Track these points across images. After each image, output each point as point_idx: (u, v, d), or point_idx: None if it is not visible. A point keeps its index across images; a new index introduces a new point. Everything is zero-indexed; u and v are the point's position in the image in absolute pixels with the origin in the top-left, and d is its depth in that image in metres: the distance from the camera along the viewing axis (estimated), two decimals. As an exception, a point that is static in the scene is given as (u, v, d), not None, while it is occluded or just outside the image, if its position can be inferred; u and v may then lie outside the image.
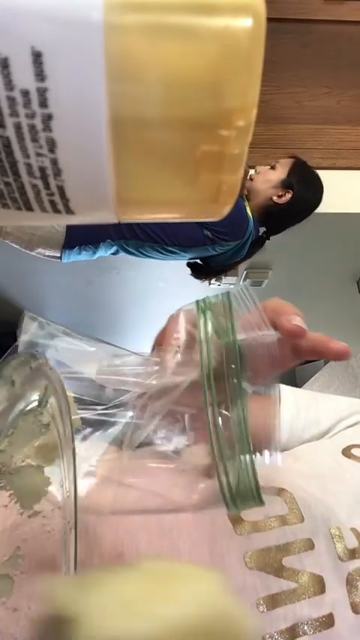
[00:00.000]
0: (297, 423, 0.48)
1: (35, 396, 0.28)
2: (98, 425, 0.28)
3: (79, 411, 0.27)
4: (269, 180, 1.31)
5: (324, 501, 0.35)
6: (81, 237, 1.28)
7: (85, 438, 0.28)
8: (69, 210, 0.17)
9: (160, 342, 0.28)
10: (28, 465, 0.26)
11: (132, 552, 0.30)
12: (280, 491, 0.35)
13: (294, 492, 0.35)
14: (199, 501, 0.25)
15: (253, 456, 0.24)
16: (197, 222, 1.23)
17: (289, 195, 1.30)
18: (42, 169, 0.15)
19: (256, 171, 1.35)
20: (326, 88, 1.62)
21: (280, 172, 1.31)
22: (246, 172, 1.34)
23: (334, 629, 0.29)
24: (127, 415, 0.28)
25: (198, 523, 0.32)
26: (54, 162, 0.15)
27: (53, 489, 0.26)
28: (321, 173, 1.36)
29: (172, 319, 0.28)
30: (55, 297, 2.24)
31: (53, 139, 0.14)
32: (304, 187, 1.31)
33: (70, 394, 0.27)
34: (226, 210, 0.18)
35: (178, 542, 0.31)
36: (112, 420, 0.28)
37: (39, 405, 0.28)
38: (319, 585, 0.30)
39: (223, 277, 1.84)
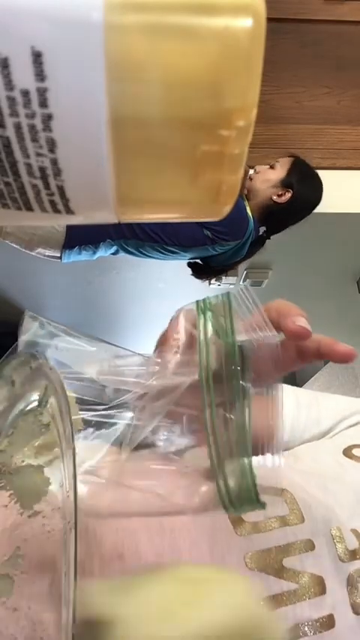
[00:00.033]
0: (298, 423, 0.48)
1: (35, 396, 0.28)
2: (99, 425, 0.28)
3: (80, 412, 0.27)
4: (269, 179, 1.31)
5: (324, 502, 0.35)
6: (81, 237, 1.28)
7: (85, 438, 0.28)
8: (69, 210, 0.17)
9: (163, 343, 0.28)
10: (28, 465, 0.26)
11: (132, 552, 0.30)
12: (280, 492, 0.35)
13: (294, 493, 0.35)
14: (200, 504, 0.24)
15: (255, 457, 0.24)
16: (197, 222, 1.23)
17: (289, 195, 1.30)
18: (42, 169, 0.15)
19: (255, 170, 1.35)
20: (326, 88, 1.62)
21: (280, 172, 1.31)
22: (246, 172, 1.34)
23: (335, 630, 0.29)
24: (128, 416, 0.28)
25: (198, 524, 0.32)
26: (54, 162, 0.15)
27: (53, 489, 0.26)
28: (321, 173, 1.36)
29: (174, 320, 0.28)
30: (55, 297, 2.24)
31: (53, 139, 0.14)
32: (304, 186, 1.31)
33: (72, 394, 0.27)
34: (226, 210, 0.18)
35: (179, 542, 0.31)
36: (113, 420, 0.28)
37: (39, 405, 0.28)
38: (320, 586, 0.30)
39: (223, 277, 1.84)
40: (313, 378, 2.53)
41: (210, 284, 1.91)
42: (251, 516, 0.33)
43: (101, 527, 0.30)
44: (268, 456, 0.25)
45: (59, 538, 0.25)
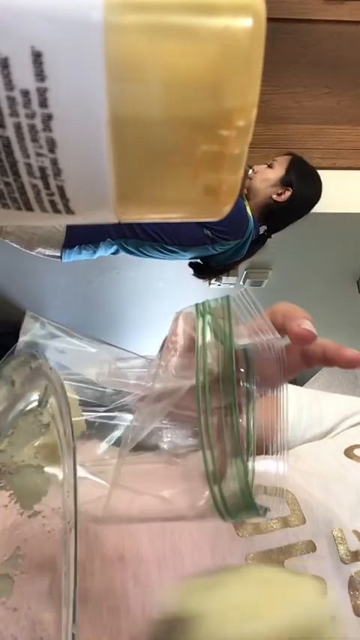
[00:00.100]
0: (299, 422, 0.48)
1: (35, 396, 0.28)
2: (100, 426, 0.28)
3: (83, 414, 0.27)
4: (268, 179, 1.31)
5: (326, 503, 0.35)
6: (81, 237, 1.28)
7: (86, 439, 0.28)
8: (69, 210, 0.17)
9: (166, 345, 0.28)
10: (28, 465, 0.26)
11: (133, 554, 0.30)
12: (282, 493, 0.35)
13: (296, 493, 0.35)
14: (200, 510, 0.24)
15: (258, 464, 0.24)
16: (197, 222, 1.23)
17: (288, 193, 1.30)
18: (42, 169, 0.15)
19: (253, 170, 1.35)
20: (326, 88, 1.62)
21: (278, 170, 1.31)
22: (246, 172, 1.34)
23: None
24: (129, 417, 0.28)
25: (199, 525, 0.32)
26: (54, 162, 0.15)
27: (53, 489, 0.26)
28: (321, 173, 1.36)
29: (173, 322, 0.28)
30: (55, 297, 2.24)
31: (53, 139, 0.14)
32: (303, 183, 1.32)
33: (75, 397, 0.27)
34: (227, 210, 0.18)
35: (180, 544, 0.31)
36: (114, 422, 0.28)
37: (39, 405, 0.28)
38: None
39: (224, 277, 1.84)
40: (312, 378, 2.53)
41: (210, 284, 1.91)
42: (252, 517, 0.33)
43: (102, 528, 0.30)
44: (272, 462, 0.25)
45: (59, 538, 0.25)
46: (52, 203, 0.16)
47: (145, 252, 1.32)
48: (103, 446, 0.28)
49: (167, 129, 0.15)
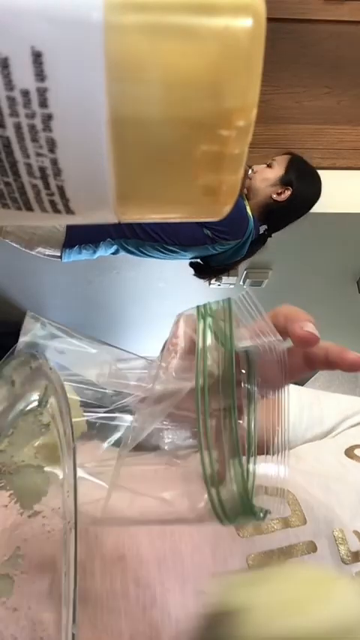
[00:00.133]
0: (300, 422, 0.48)
1: (35, 396, 0.28)
2: (100, 427, 0.28)
3: (84, 415, 0.27)
4: (267, 178, 1.31)
5: (326, 503, 0.35)
6: (81, 236, 1.28)
7: (86, 440, 0.28)
8: (69, 210, 0.17)
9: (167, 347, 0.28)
10: (28, 465, 0.26)
11: (133, 554, 0.29)
12: (282, 493, 0.35)
13: (296, 494, 0.35)
14: (203, 512, 0.24)
15: (259, 467, 0.24)
16: (197, 222, 1.23)
17: (288, 192, 1.30)
18: (42, 169, 0.15)
19: (253, 170, 1.35)
20: (326, 88, 1.62)
21: (278, 170, 1.31)
22: (245, 172, 1.34)
23: None
24: (129, 418, 0.28)
25: (200, 525, 0.32)
26: (54, 162, 0.15)
27: (53, 489, 0.26)
28: (321, 173, 1.36)
29: (174, 324, 0.28)
30: (55, 297, 2.24)
31: (53, 139, 0.14)
32: (303, 183, 1.32)
33: (76, 397, 0.27)
34: (227, 210, 0.18)
35: (180, 544, 0.31)
36: (114, 423, 0.28)
37: (39, 405, 0.28)
38: None
39: (224, 277, 1.84)
40: (313, 378, 2.53)
41: (210, 284, 1.91)
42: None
43: (102, 528, 0.30)
44: (273, 464, 0.25)
45: (59, 538, 0.25)
46: (52, 203, 0.16)
47: (145, 252, 1.32)
48: (103, 447, 0.28)
49: (167, 129, 0.15)
